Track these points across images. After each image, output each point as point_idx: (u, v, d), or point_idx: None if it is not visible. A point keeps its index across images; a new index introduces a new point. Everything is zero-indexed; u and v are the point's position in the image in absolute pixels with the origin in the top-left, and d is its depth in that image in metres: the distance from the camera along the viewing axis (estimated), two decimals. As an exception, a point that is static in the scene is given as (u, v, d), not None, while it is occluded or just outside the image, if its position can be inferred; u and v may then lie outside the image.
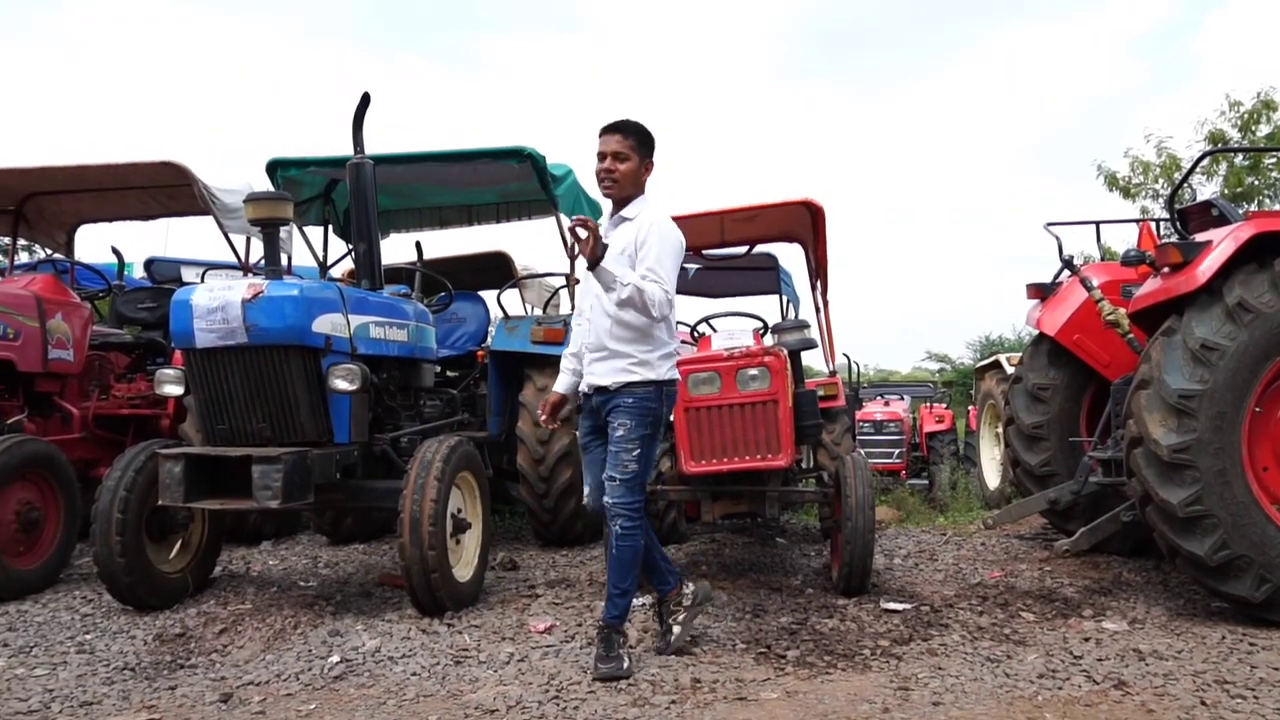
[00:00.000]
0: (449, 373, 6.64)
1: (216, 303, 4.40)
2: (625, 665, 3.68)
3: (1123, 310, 5.40)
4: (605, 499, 3.79)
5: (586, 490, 4.07)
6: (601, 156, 3.87)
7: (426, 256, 6.62)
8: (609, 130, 3.88)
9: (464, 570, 4.76)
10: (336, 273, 6.89)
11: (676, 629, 4.05)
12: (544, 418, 4.14)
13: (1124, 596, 4.90)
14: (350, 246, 6.05)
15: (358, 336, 4.79)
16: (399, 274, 6.30)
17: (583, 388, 3.99)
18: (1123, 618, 4.48)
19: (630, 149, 3.87)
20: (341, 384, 4.51)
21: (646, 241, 3.75)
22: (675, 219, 6.04)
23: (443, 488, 4.44)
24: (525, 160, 6.17)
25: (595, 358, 3.88)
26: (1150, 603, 4.73)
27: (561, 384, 4.15)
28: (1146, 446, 4.26)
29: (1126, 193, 14.82)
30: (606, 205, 4.05)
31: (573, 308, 6.90)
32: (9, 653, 4.13)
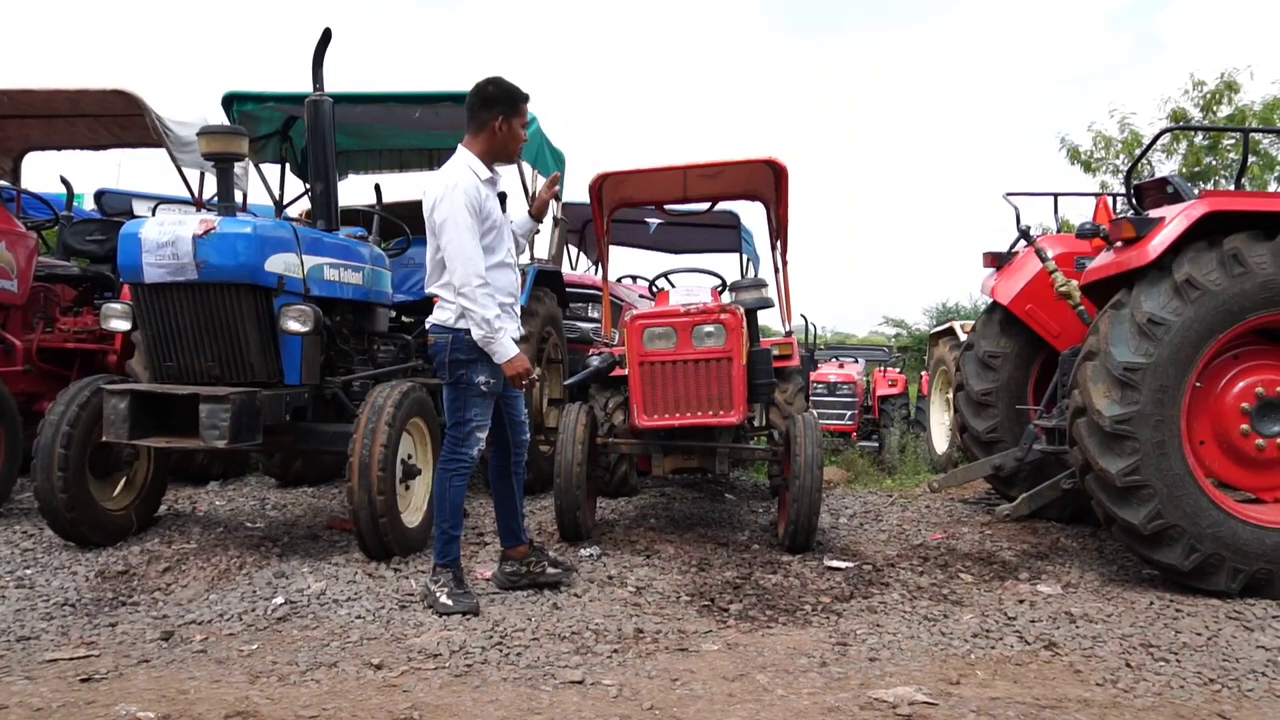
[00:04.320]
0: (404, 318, 6.57)
1: (166, 237, 4.31)
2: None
3: (1075, 282, 5.48)
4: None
5: (483, 435, 4.00)
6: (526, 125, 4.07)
7: (385, 200, 6.51)
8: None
9: (413, 516, 4.76)
10: (293, 212, 6.77)
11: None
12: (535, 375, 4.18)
13: (1060, 561, 5.03)
14: (307, 186, 5.93)
15: (311, 277, 4.72)
16: (356, 216, 6.19)
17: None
18: (1057, 581, 4.60)
19: None
20: (293, 325, 4.46)
21: None
22: (638, 173, 6.09)
23: (393, 433, 4.43)
24: None
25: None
26: (1084, 568, 4.86)
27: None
28: (1089, 416, 4.35)
29: (1088, 166, 14.89)
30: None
31: (531, 256, 6.87)
32: (-55, 585, 4.07)
